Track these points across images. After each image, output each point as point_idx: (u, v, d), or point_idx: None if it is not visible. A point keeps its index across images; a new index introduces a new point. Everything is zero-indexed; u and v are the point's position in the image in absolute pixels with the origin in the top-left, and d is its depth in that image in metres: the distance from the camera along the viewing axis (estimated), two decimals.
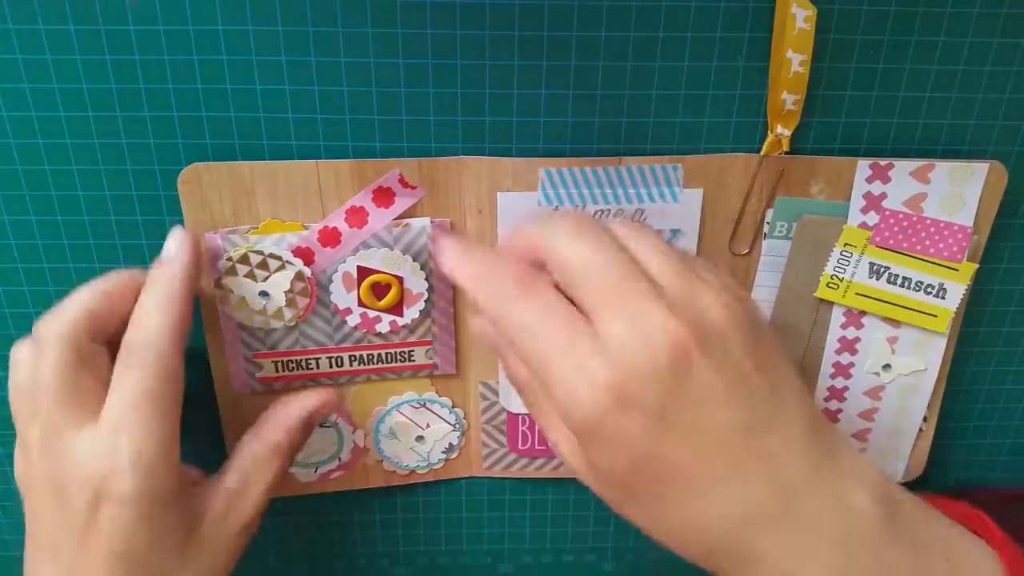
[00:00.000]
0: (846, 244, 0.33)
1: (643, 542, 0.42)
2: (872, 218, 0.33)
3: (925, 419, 0.37)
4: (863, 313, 0.34)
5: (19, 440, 0.29)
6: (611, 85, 0.31)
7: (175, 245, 0.30)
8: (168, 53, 0.30)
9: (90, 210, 0.33)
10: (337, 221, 0.32)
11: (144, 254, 0.33)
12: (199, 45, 0.30)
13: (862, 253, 0.33)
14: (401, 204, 0.33)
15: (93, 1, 0.29)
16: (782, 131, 0.31)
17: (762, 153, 0.32)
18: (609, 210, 0.33)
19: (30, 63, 0.30)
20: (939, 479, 0.41)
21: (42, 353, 0.28)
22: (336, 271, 0.33)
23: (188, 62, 0.30)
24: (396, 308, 0.34)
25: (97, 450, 0.27)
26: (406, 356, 0.36)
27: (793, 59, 0.29)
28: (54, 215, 0.33)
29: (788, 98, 0.30)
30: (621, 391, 0.24)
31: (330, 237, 0.33)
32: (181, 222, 0.32)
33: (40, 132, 0.31)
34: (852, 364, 0.35)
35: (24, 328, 0.35)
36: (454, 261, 0.28)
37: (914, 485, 0.38)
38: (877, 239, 0.33)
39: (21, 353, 0.29)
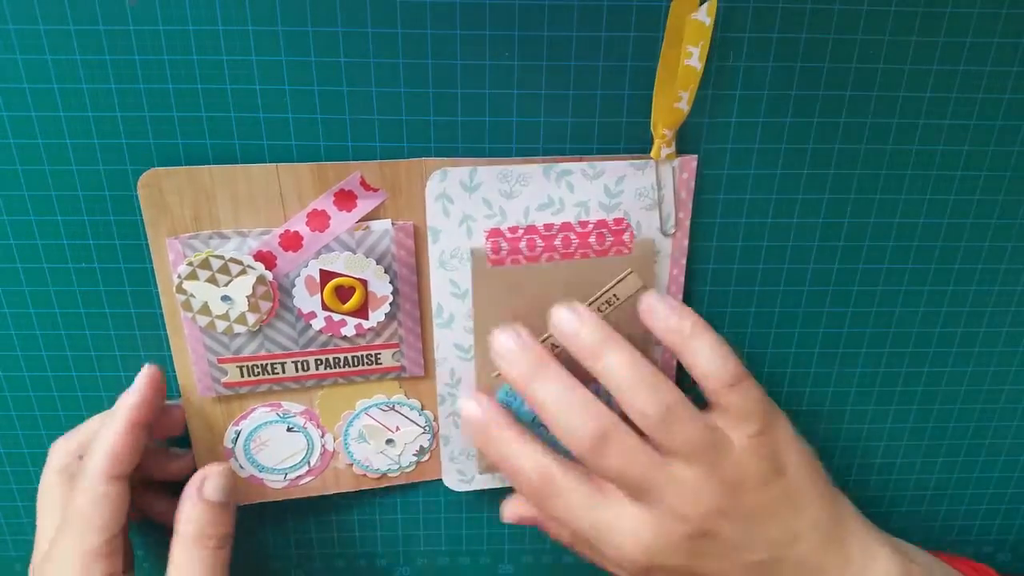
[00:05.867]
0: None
1: None
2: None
3: None
4: None
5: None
6: (611, 86, 0.31)
7: (138, 381, 0.33)
8: (168, 53, 0.30)
9: (90, 210, 0.33)
10: (298, 225, 0.32)
11: (143, 254, 0.33)
12: (199, 45, 0.30)
13: None
14: (363, 207, 0.32)
15: (93, 1, 0.29)
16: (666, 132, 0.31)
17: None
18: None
19: (30, 63, 0.30)
20: (942, 473, 0.41)
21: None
22: (299, 275, 0.33)
23: (188, 62, 0.30)
24: (361, 311, 0.34)
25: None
26: (373, 359, 0.35)
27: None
28: (54, 215, 0.33)
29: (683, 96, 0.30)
30: (649, 567, 0.32)
31: (291, 241, 0.32)
32: (141, 226, 0.32)
33: (40, 132, 0.31)
34: None
35: (24, 328, 0.35)
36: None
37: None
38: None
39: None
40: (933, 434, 0.40)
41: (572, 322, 0.31)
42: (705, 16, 0.28)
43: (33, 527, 0.34)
